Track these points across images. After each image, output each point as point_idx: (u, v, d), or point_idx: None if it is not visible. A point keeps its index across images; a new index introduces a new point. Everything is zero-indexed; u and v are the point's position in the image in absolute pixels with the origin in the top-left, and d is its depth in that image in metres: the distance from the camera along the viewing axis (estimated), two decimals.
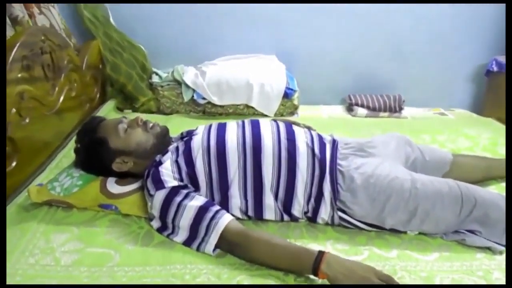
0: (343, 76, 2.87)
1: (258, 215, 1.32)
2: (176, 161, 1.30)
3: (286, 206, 1.30)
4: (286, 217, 1.32)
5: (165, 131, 1.42)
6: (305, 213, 1.32)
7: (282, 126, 1.39)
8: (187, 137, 1.41)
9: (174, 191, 1.23)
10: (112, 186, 1.36)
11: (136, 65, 2.46)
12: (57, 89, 1.75)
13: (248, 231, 1.16)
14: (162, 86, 2.51)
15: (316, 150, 1.33)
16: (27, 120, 1.49)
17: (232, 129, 1.37)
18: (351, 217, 1.28)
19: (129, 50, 2.48)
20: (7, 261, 1.08)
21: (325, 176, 1.30)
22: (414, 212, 1.23)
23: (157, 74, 2.60)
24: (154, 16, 2.61)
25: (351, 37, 2.75)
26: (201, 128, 1.43)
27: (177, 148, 1.35)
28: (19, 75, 1.44)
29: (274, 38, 2.73)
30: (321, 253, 1.04)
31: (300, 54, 2.78)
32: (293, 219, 1.33)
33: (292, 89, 2.45)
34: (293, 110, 2.52)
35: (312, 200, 1.30)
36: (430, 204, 1.23)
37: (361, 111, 2.58)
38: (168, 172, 1.26)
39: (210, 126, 1.42)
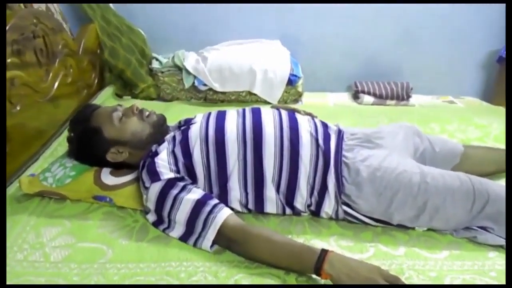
0: (350, 62, 2.78)
1: (259, 208, 1.26)
2: (173, 152, 1.24)
3: (288, 199, 1.24)
4: (288, 211, 1.26)
5: (162, 120, 1.36)
6: (308, 206, 1.26)
7: (284, 115, 1.32)
8: (184, 126, 1.35)
9: (170, 183, 1.17)
10: (107, 177, 1.31)
11: (135, 50, 2.38)
12: (51, 75, 1.69)
13: (247, 227, 1.10)
14: (162, 72, 2.43)
15: (320, 141, 1.27)
16: (18, 108, 1.43)
17: (232, 117, 1.31)
18: (356, 211, 1.22)
19: (128, 34, 2.40)
20: None
21: (329, 168, 1.24)
22: (423, 208, 1.17)
23: (157, 59, 2.52)
24: None
25: (359, 21, 2.64)
26: (199, 117, 1.37)
27: (174, 138, 1.29)
28: (9, 60, 1.38)
29: (278, 23, 2.64)
30: (324, 252, 0.98)
31: (305, 39, 2.69)
32: (296, 212, 1.26)
33: (296, 76, 2.37)
34: (297, 97, 2.44)
35: (316, 193, 1.24)
36: (440, 200, 1.16)
37: (368, 98, 2.49)
38: (164, 163, 1.20)
39: (209, 114, 1.36)
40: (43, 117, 1.61)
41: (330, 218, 1.26)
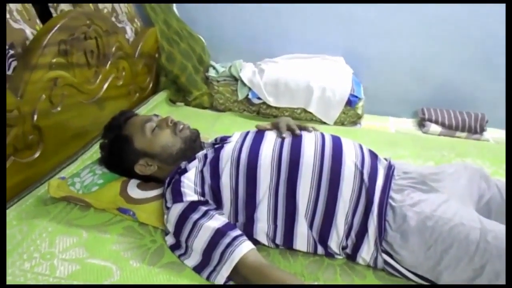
0: (418, 85, 2.56)
1: (288, 243, 1.13)
2: (201, 171, 1.15)
3: (322, 237, 1.10)
4: (320, 250, 1.12)
5: (194, 135, 1.28)
6: (343, 248, 1.11)
7: (328, 140, 1.18)
8: (219, 144, 1.26)
9: (192, 206, 1.08)
10: (133, 189, 1.25)
11: (192, 57, 2.35)
12: (100, 77, 1.68)
13: (267, 268, 0.98)
14: (218, 81, 2.38)
15: (366, 175, 1.11)
16: (58, 108, 1.42)
17: (270, 141, 1.19)
18: (398, 263, 1.05)
19: (187, 40, 2.37)
20: None
21: (371, 209, 1.08)
22: (480, 272, 0.98)
23: (214, 68, 2.47)
24: (217, 6, 2.49)
25: (432, 41, 2.42)
26: (236, 136, 1.27)
27: (205, 156, 1.20)
28: (54, 60, 1.37)
29: (342, 38, 2.49)
30: None
31: (370, 58, 2.51)
32: (329, 253, 1.12)
33: (356, 97, 2.20)
34: (356, 119, 2.27)
35: (353, 234, 1.09)
36: (503, 265, 0.96)
37: (435, 128, 2.26)
38: (189, 183, 1.12)
39: (247, 134, 1.26)
40: (86, 119, 1.60)
41: (368, 266, 1.11)
